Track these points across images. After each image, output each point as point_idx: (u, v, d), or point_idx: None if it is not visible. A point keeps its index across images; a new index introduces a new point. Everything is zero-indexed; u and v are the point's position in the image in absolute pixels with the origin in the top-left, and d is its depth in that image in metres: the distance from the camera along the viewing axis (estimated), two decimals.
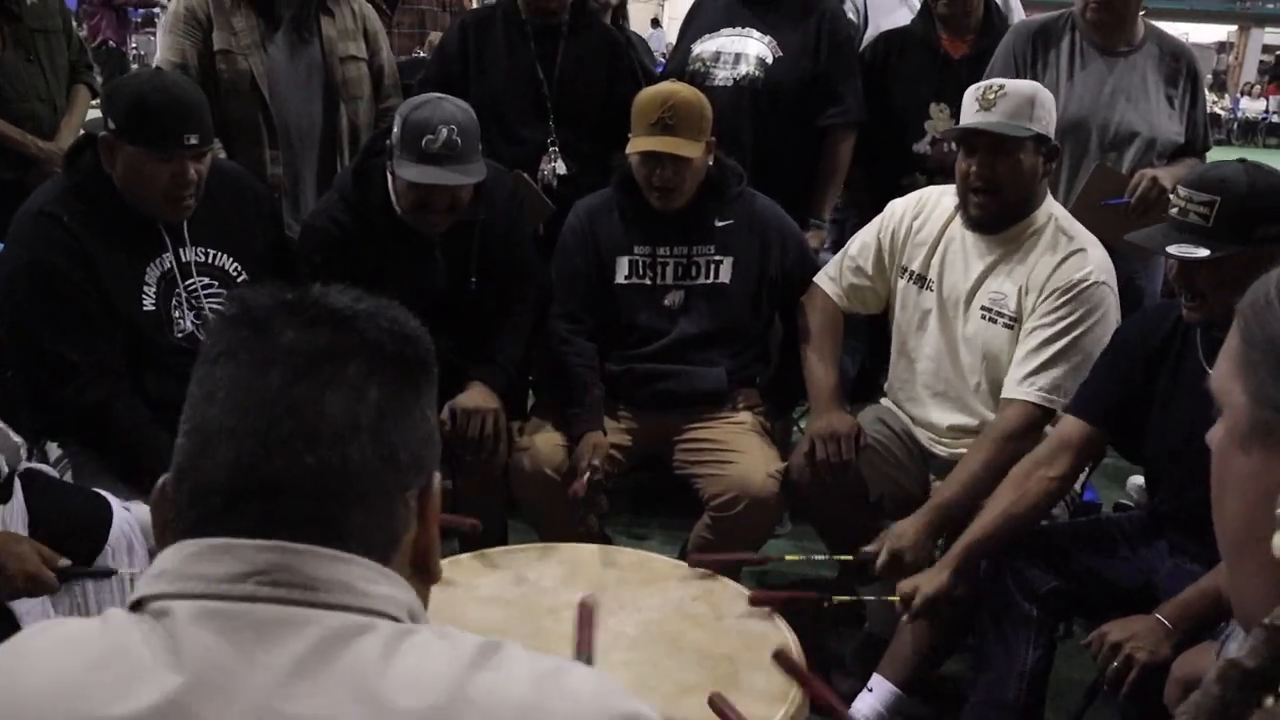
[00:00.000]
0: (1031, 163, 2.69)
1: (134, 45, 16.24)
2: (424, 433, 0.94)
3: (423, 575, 0.95)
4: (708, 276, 3.08)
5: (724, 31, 3.65)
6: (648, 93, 3.00)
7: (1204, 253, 2.17)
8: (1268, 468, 0.84)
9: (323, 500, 0.87)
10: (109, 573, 2.28)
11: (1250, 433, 0.86)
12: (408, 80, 3.57)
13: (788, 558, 2.80)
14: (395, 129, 2.77)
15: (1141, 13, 3.42)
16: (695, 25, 3.79)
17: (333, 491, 0.87)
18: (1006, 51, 3.42)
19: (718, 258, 3.07)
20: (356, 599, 0.85)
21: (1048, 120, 2.69)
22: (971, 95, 2.72)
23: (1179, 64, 3.39)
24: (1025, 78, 3.28)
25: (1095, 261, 2.69)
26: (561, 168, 3.48)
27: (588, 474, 2.81)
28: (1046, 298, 2.68)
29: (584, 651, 1.78)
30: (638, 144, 2.93)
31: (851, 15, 4.01)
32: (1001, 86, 2.68)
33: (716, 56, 3.62)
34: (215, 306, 2.68)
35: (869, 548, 2.57)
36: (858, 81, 3.61)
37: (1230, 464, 0.89)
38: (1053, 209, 2.79)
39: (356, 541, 0.87)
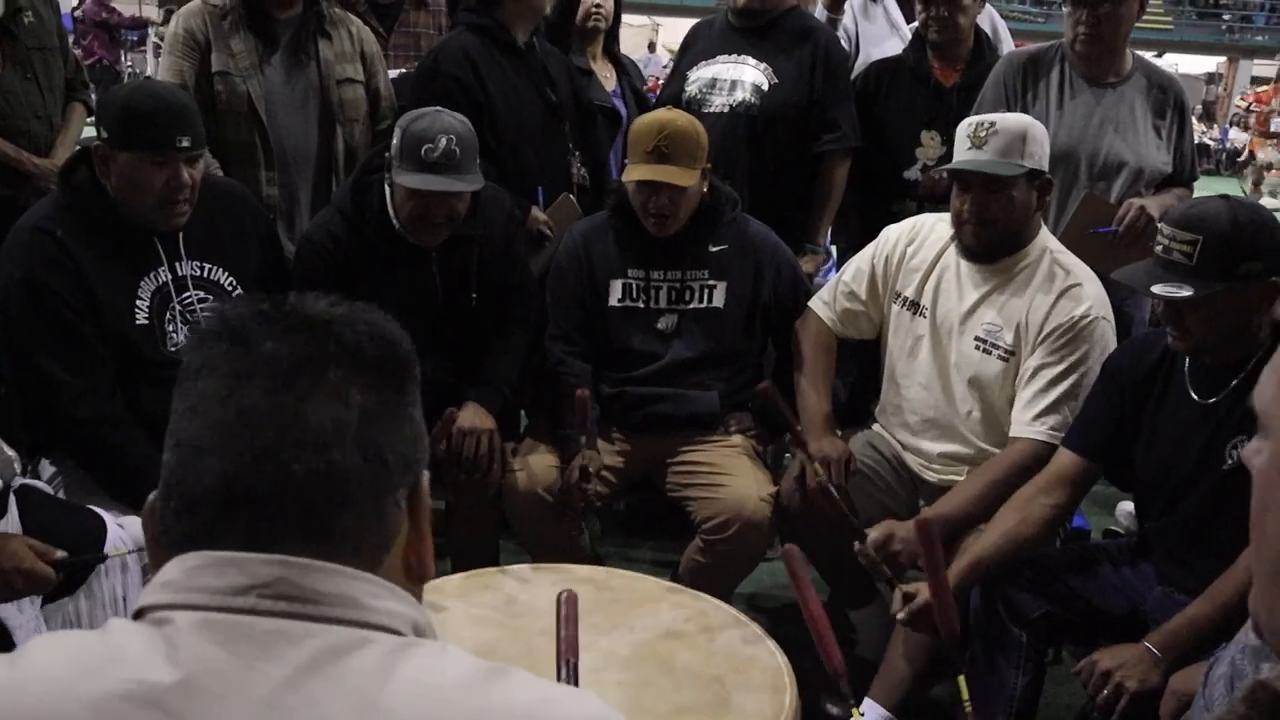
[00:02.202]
0: (1024, 197, 2.72)
1: (129, 64, 16.37)
2: (410, 432, 0.94)
3: (413, 574, 0.96)
4: (701, 301, 3.10)
5: (720, 59, 3.69)
6: (644, 121, 3.02)
7: (1188, 292, 2.20)
8: None
9: (311, 506, 0.87)
10: (102, 558, 2.27)
11: None
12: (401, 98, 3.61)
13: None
14: (395, 140, 2.82)
15: (1152, 54, 3.46)
16: (691, 52, 3.83)
17: (321, 497, 0.87)
18: (997, 82, 3.46)
19: (711, 282, 3.09)
20: (359, 613, 0.86)
21: (1040, 154, 2.72)
22: (963, 132, 2.74)
23: (1166, 95, 3.43)
24: (1015, 108, 3.32)
25: (1092, 297, 2.72)
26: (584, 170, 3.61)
27: (578, 473, 2.83)
28: (1047, 337, 2.71)
29: (568, 655, 1.72)
30: (633, 172, 2.95)
31: (843, 42, 4.05)
32: (993, 124, 2.70)
33: (712, 83, 3.66)
34: None
35: (868, 529, 2.60)
36: (852, 107, 3.66)
37: (1275, 489, 0.86)
38: (1048, 242, 2.81)
39: (348, 546, 0.88)
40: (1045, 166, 2.74)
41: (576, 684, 1.68)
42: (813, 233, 3.66)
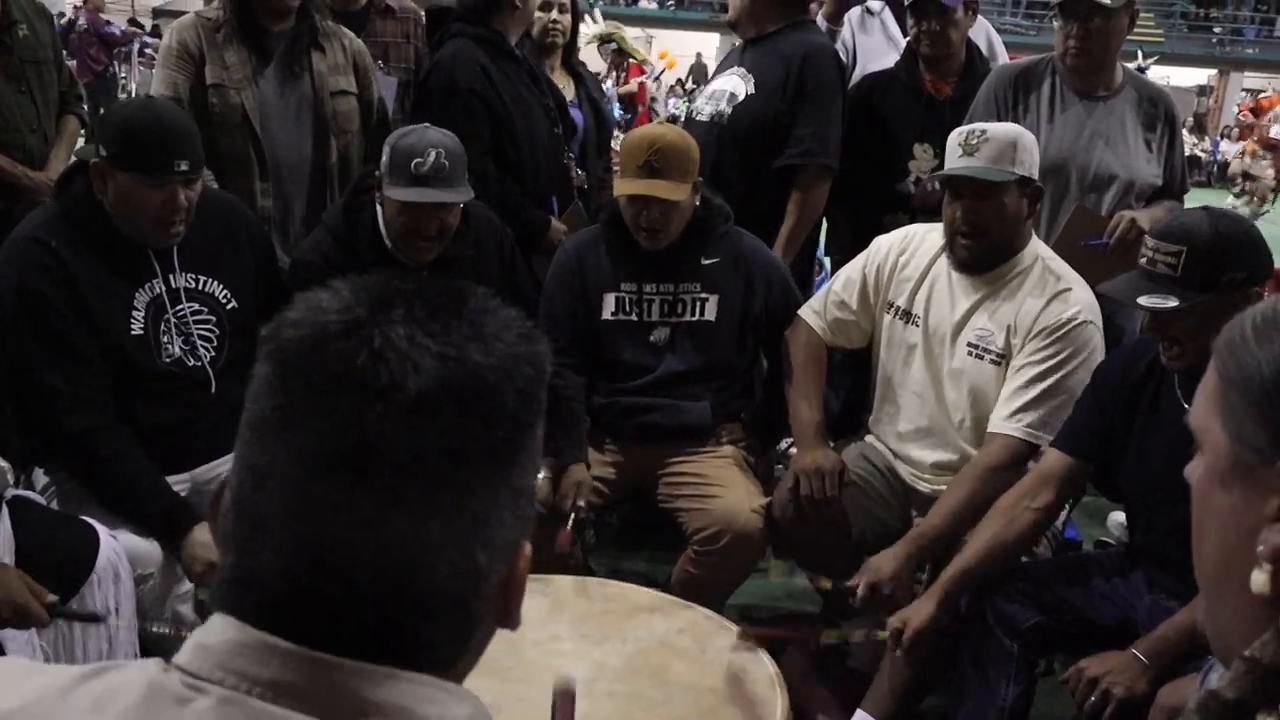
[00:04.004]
0: (1016, 205, 2.73)
1: (123, 75, 16.84)
2: (516, 511, 0.82)
3: (497, 627, 0.87)
4: (693, 314, 3.10)
5: (728, 70, 3.73)
6: (635, 135, 3.05)
7: (1174, 303, 2.23)
8: (1248, 505, 0.85)
9: (388, 619, 0.76)
10: (98, 619, 2.28)
11: (1231, 471, 0.87)
12: None
13: (823, 638, 2.72)
14: (384, 158, 2.84)
15: (1138, 63, 3.49)
16: (720, 66, 3.90)
17: (394, 616, 0.76)
18: (988, 94, 3.48)
19: (704, 295, 3.10)
20: None
21: (1030, 163, 2.74)
22: (955, 140, 2.76)
23: (1156, 109, 3.45)
24: (1006, 120, 3.33)
25: (1082, 301, 2.73)
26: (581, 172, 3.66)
27: (572, 517, 2.82)
28: (1034, 336, 2.72)
29: None
30: (625, 186, 2.96)
31: (841, 54, 4.06)
32: (984, 131, 2.72)
33: (712, 94, 3.70)
34: (204, 332, 2.71)
35: (849, 582, 2.60)
36: (826, 124, 3.56)
37: (1210, 502, 0.90)
38: (1039, 249, 2.83)
39: (419, 654, 0.78)
40: (1036, 175, 2.76)
41: None
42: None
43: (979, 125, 2.78)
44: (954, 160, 2.75)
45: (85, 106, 4.01)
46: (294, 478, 0.75)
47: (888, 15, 4.29)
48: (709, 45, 27.06)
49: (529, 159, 3.49)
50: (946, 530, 2.64)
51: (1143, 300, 2.27)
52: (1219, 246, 2.23)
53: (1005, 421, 2.71)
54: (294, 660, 0.74)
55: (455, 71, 3.49)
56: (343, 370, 0.74)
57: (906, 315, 2.93)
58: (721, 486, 2.95)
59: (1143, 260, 2.33)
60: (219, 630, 0.76)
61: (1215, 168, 26.40)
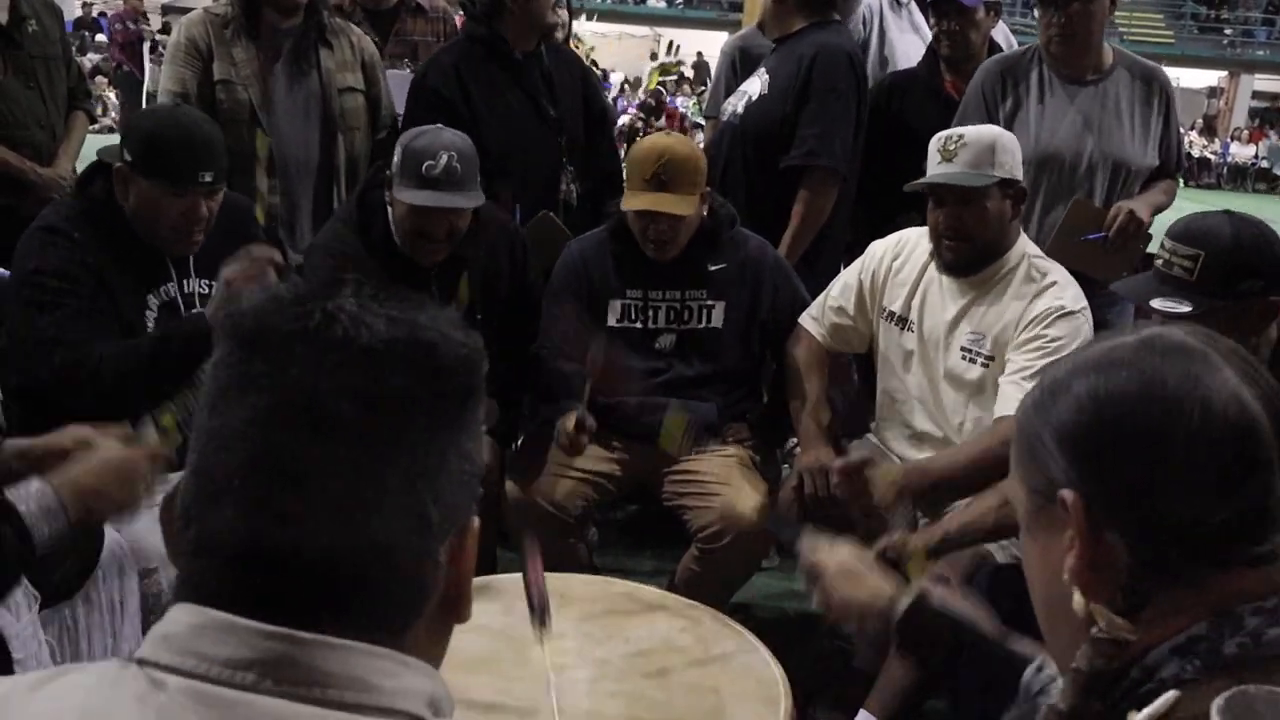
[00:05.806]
0: (998, 207, 2.72)
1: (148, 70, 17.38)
2: (463, 475, 0.85)
3: (450, 618, 0.88)
4: (700, 321, 3.10)
5: (757, 71, 3.70)
6: (643, 147, 3.05)
7: (1187, 308, 2.18)
8: (1049, 547, 1.00)
9: (339, 576, 0.78)
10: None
11: (1033, 521, 1.04)
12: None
13: None
14: (395, 158, 2.82)
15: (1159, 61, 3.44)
16: (718, 66, 3.89)
17: (351, 568, 0.79)
18: (975, 91, 3.44)
19: (710, 302, 3.09)
20: (372, 697, 0.77)
21: (1011, 164, 2.73)
22: (934, 147, 2.76)
23: (1150, 86, 3.40)
24: (997, 115, 3.31)
25: (1068, 294, 2.72)
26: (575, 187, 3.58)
27: (572, 421, 2.84)
28: (1026, 327, 2.70)
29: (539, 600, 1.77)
30: (632, 201, 2.95)
31: (859, 33, 4.04)
32: (961, 137, 2.72)
33: (736, 92, 3.69)
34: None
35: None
36: (831, 126, 3.49)
37: (1028, 553, 1.07)
38: (1026, 248, 2.82)
39: (372, 618, 0.80)
40: (1018, 175, 2.75)
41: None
42: None
43: (956, 130, 2.78)
44: (933, 167, 2.75)
45: (93, 102, 4.02)
46: (253, 433, 0.79)
47: (914, 6, 4.28)
48: (718, 45, 26.99)
49: (495, 164, 3.32)
50: (946, 476, 2.62)
51: (1155, 303, 2.24)
52: (1239, 253, 2.18)
53: (1007, 408, 2.67)
54: (251, 636, 0.76)
55: (427, 69, 3.49)
56: (300, 327, 0.81)
57: (902, 320, 2.92)
58: (726, 485, 2.95)
59: (1159, 262, 2.30)
60: (180, 618, 0.79)
61: (1225, 169, 26.37)
